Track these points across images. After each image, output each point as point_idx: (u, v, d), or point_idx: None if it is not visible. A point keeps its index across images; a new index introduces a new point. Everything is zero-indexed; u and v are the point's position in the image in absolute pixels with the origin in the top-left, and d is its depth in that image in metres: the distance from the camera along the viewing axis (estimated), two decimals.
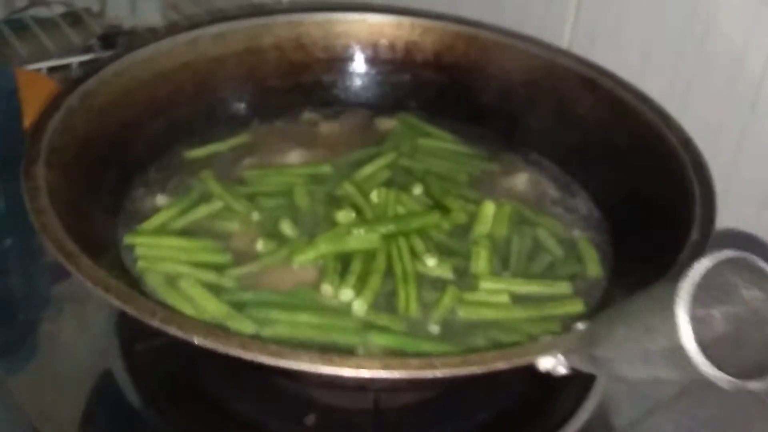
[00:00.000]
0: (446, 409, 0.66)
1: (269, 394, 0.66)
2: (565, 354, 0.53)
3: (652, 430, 0.68)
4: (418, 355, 0.60)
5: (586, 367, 0.53)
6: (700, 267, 0.42)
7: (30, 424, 0.64)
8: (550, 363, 0.54)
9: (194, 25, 0.87)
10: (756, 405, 0.70)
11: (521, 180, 0.81)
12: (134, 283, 0.66)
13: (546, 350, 0.53)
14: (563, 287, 0.68)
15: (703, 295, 0.43)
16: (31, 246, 0.84)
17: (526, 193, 0.80)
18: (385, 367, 0.51)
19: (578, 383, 0.68)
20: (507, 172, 0.82)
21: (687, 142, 0.72)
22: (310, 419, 0.64)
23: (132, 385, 0.66)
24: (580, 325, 0.55)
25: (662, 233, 0.68)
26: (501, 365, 0.52)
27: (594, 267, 0.71)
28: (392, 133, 0.86)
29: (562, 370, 0.54)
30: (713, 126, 0.77)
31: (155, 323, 0.53)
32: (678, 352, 0.42)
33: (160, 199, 0.76)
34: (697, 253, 0.61)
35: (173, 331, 0.52)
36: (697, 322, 0.42)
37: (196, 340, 0.52)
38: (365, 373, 0.51)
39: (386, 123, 0.88)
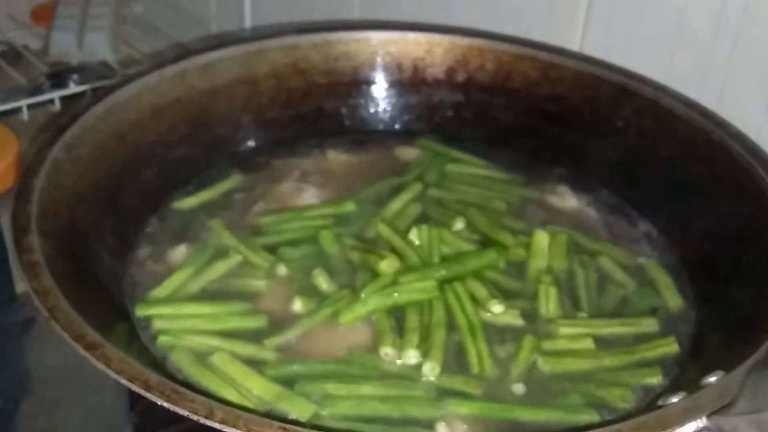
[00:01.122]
0: None
1: None
2: (710, 416, 0.44)
3: None
4: (510, 423, 0.50)
5: (732, 429, 0.44)
6: None
7: None
8: (692, 428, 0.45)
9: (179, 56, 0.76)
10: None
11: (567, 205, 0.72)
12: (157, 364, 0.55)
13: (691, 414, 0.44)
14: (650, 324, 0.60)
15: None
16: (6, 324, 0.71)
17: (575, 219, 0.71)
18: None
19: None
20: (548, 198, 0.73)
21: (755, 151, 0.65)
22: None
23: None
24: (713, 379, 0.46)
25: (742, 245, 0.60)
26: None
27: (673, 297, 0.63)
28: (413, 162, 0.76)
29: None
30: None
31: (215, 424, 0.42)
32: None
33: (171, 257, 0.65)
34: None
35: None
36: None
37: None
38: None
39: (406, 152, 0.78)
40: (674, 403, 0.45)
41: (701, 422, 0.44)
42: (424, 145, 0.78)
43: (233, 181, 0.74)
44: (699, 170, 0.68)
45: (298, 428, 0.42)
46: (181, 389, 0.43)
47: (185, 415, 0.42)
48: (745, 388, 0.44)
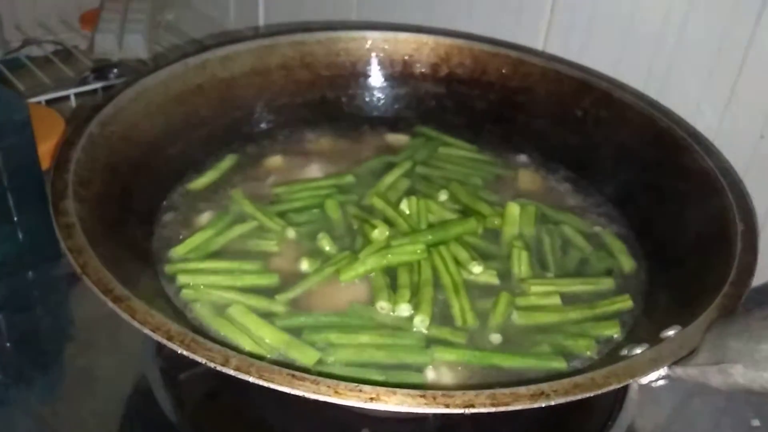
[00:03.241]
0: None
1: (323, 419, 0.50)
2: (671, 367, 0.39)
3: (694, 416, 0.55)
4: (489, 368, 0.45)
5: (697, 380, 0.39)
6: None
7: None
8: (654, 375, 0.40)
9: (202, 48, 0.69)
10: None
11: (532, 180, 0.67)
12: (180, 314, 0.49)
13: (657, 364, 0.39)
14: (607, 283, 0.55)
15: None
16: (53, 277, 0.65)
17: (541, 193, 0.66)
18: (494, 401, 0.36)
19: None
20: (518, 175, 0.68)
21: (695, 135, 0.60)
22: None
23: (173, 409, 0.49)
24: (671, 332, 0.42)
25: (683, 215, 0.56)
26: (612, 386, 0.38)
27: (626, 260, 0.58)
28: (404, 145, 0.71)
29: (661, 382, 0.40)
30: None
31: (230, 371, 0.36)
32: None
33: (195, 221, 0.59)
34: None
35: (253, 379, 0.36)
36: None
37: (283, 389, 0.35)
38: (474, 410, 0.36)
39: (397, 137, 0.72)
40: (639, 353, 0.41)
41: (663, 371, 0.40)
42: (418, 131, 0.72)
43: (250, 157, 0.68)
44: (647, 152, 0.63)
45: (306, 374, 0.36)
46: (200, 339, 0.38)
47: (203, 362, 0.37)
48: (705, 342, 0.39)
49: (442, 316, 0.52)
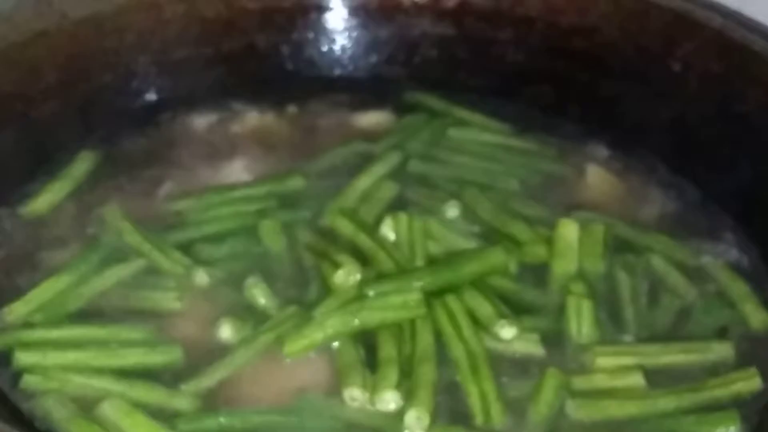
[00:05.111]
0: None
1: None
2: None
3: None
4: None
5: None
6: None
7: None
8: None
9: None
10: None
11: (603, 182, 0.72)
12: (17, 417, 0.54)
13: None
14: (722, 350, 0.60)
15: None
16: None
17: (614, 202, 0.71)
18: None
19: None
20: (578, 173, 0.73)
21: None
22: None
23: None
24: None
25: None
26: None
27: (754, 311, 0.63)
28: (390, 128, 0.76)
29: None
30: None
31: None
32: None
33: (44, 260, 0.64)
34: None
35: None
36: None
37: None
38: None
39: (374, 117, 0.77)
40: None
41: None
42: (411, 102, 0.78)
43: (128, 152, 0.73)
44: None
45: None
46: None
47: None
48: None
49: (451, 411, 0.56)
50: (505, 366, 0.59)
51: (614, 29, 0.76)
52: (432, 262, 0.64)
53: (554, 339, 0.61)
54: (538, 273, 0.65)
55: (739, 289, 0.64)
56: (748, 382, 0.58)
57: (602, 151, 0.76)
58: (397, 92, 0.80)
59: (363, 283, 0.61)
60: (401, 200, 0.69)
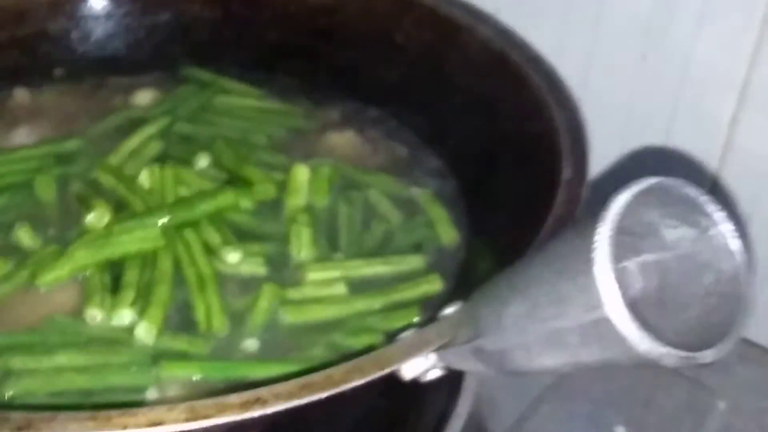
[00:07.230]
0: None
1: None
2: (438, 352, 0.45)
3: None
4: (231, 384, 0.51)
5: (467, 365, 0.45)
6: (616, 206, 0.35)
7: None
8: (419, 367, 0.46)
9: None
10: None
11: (342, 136, 0.73)
12: None
13: (412, 351, 0.44)
14: (414, 261, 0.61)
15: (616, 246, 0.36)
16: None
17: (348, 149, 0.72)
18: (188, 416, 0.40)
19: (443, 386, 0.60)
20: (322, 130, 0.73)
21: (535, 60, 0.66)
22: None
23: None
24: (450, 310, 0.47)
25: (525, 175, 0.62)
26: (355, 381, 0.43)
27: (446, 230, 0.64)
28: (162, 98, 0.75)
29: (433, 373, 0.46)
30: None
31: None
32: (601, 325, 0.35)
33: None
34: (575, 195, 0.55)
35: None
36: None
37: None
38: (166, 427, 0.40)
39: (146, 93, 0.76)
40: (398, 340, 0.46)
41: (429, 361, 0.45)
42: (187, 76, 0.77)
43: None
44: (484, 87, 0.69)
45: None
46: None
47: None
48: (462, 315, 0.44)
49: (183, 322, 0.56)
50: (231, 285, 0.59)
51: (351, 9, 0.76)
52: (178, 202, 0.63)
53: (278, 262, 0.61)
54: (274, 209, 0.65)
55: (436, 213, 0.65)
56: (431, 285, 0.59)
57: (344, 109, 0.75)
58: (174, 70, 0.78)
59: (114, 223, 0.60)
60: (164, 156, 0.68)
